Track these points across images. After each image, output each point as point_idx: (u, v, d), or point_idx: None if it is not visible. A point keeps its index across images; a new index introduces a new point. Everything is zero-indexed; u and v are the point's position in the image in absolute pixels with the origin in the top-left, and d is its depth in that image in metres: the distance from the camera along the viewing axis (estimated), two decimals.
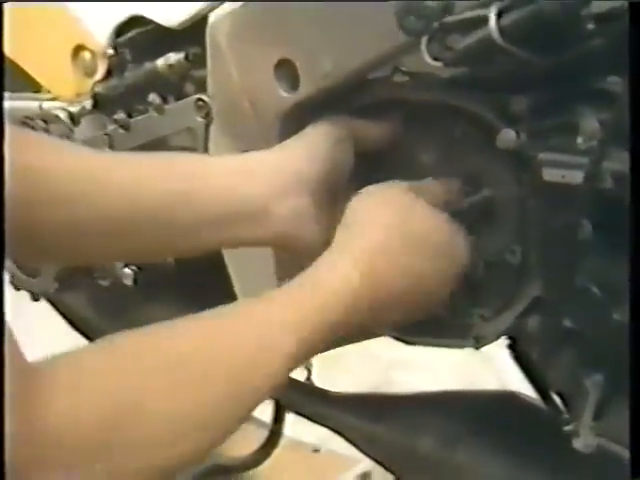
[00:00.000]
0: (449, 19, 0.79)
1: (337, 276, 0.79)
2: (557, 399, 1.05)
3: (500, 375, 1.70)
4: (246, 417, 0.72)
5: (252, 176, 0.88)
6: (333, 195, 0.91)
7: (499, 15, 0.76)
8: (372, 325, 0.88)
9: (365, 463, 1.74)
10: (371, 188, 0.88)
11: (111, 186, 0.84)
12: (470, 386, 1.14)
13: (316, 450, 1.93)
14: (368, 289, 0.80)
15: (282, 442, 1.58)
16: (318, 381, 1.24)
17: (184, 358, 0.68)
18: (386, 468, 1.10)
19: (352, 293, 0.79)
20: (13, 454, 0.52)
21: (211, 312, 0.73)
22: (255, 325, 0.74)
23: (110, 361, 0.65)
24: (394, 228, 0.84)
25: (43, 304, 1.48)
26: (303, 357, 0.76)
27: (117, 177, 0.85)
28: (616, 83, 0.81)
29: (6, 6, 0.44)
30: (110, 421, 0.61)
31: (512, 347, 1.10)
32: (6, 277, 0.63)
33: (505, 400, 1.07)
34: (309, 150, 0.91)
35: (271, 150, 0.92)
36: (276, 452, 1.58)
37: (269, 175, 0.89)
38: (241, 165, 0.90)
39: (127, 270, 1.24)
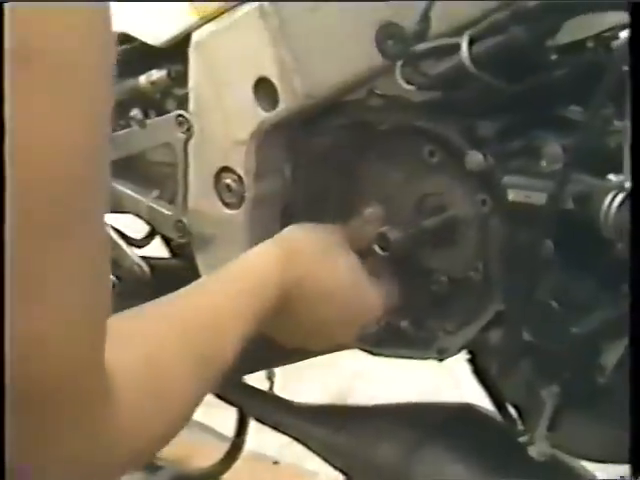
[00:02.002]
0: (424, 45, 0.83)
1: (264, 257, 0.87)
2: (513, 411, 1.08)
3: (460, 390, 1.73)
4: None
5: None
6: None
7: (471, 43, 0.80)
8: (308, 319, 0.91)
9: (324, 475, 1.76)
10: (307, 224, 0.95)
11: None
12: (431, 398, 1.16)
13: (276, 462, 1.95)
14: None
15: (242, 454, 1.59)
16: (283, 392, 1.27)
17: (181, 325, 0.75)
18: (347, 476, 1.12)
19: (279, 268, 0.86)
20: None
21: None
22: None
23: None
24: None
25: None
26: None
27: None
28: (577, 112, 0.86)
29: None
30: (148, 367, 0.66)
31: (472, 360, 1.13)
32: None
33: (462, 412, 1.09)
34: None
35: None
36: (237, 464, 1.58)
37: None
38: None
39: None
